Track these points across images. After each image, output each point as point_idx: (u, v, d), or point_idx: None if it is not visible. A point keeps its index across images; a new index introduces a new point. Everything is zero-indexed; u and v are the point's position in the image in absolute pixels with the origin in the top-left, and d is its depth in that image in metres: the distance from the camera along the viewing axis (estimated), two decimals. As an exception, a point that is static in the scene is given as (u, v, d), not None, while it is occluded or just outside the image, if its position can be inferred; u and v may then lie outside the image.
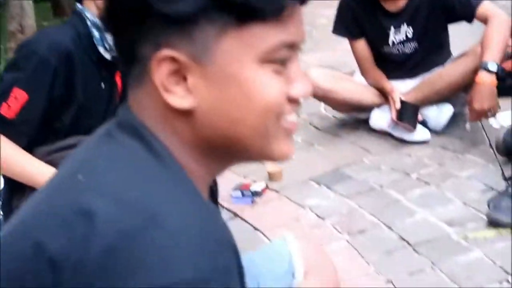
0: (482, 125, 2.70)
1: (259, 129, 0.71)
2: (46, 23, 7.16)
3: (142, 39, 0.69)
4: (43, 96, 1.78)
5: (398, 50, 2.88)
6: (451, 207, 2.15)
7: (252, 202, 2.41)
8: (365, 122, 2.96)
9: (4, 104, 1.74)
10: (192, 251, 0.62)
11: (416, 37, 2.83)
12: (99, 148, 0.73)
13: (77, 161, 0.74)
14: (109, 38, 1.87)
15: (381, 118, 2.87)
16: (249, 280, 1.19)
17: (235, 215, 2.34)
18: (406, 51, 2.87)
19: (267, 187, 2.50)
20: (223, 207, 2.40)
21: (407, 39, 2.84)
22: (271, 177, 2.57)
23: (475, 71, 2.51)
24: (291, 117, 0.73)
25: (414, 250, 1.94)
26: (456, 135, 2.73)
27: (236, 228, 2.22)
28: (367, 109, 2.94)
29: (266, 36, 0.68)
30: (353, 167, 2.59)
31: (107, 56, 1.88)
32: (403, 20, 2.81)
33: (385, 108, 2.86)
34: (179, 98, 0.69)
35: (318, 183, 2.49)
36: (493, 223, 1.97)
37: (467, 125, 2.59)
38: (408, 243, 1.97)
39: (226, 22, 0.67)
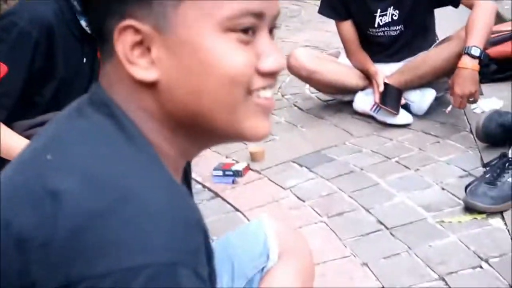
0: (464, 111, 2.72)
1: (224, 102, 0.69)
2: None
3: (109, 13, 0.69)
4: (23, 69, 1.76)
5: (383, 32, 2.88)
6: (429, 191, 2.17)
7: (233, 182, 2.41)
8: (349, 104, 2.97)
9: None
10: (163, 233, 0.61)
11: (402, 20, 2.83)
12: (68, 124, 0.72)
13: (46, 137, 0.73)
14: None
15: (364, 101, 2.88)
16: (224, 260, 1.20)
17: (216, 194, 2.34)
18: (392, 34, 2.87)
19: (248, 167, 2.51)
20: (204, 186, 2.41)
21: (393, 22, 2.84)
22: (253, 157, 2.57)
23: (458, 56, 2.52)
24: (264, 93, 0.72)
25: (391, 233, 1.96)
26: (438, 120, 2.75)
27: (216, 208, 2.25)
28: (352, 91, 2.95)
29: (226, 2, 0.67)
30: (335, 149, 2.60)
31: (89, 30, 1.87)
32: (389, 3, 2.81)
33: (369, 91, 2.87)
34: (142, 70, 0.69)
35: (300, 165, 2.50)
36: (469, 209, 2.00)
37: (448, 108, 2.60)
38: (385, 227, 1.99)
39: None
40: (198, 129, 0.72)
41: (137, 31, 0.68)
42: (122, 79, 0.71)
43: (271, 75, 0.72)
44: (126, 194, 0.62)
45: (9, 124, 1.81)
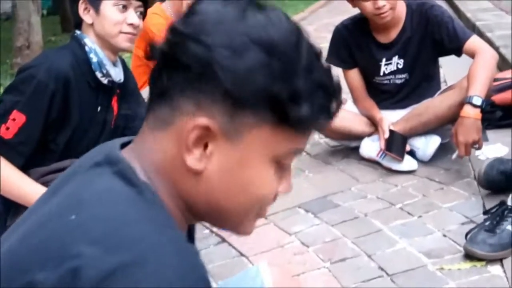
0: (469, 157, 2.77)
1: (243, 211, 0.80)
2: (54, 38, 7.25)
3: (189, 93, 0.74)
4: (40, 119, 1.86)
5: (389, 81, 2.96)
6: (431, 238, 2.21)
7: (240, 227, 2.47)
8: (356, 150, 3.03)
9: (3, 125, 1.83)
10: None
11: (406, 68, 2.91)
12: (89, 185, 0.76)
13: (67, 194, 0.77)
14: (107, 64, 1.96)
15: (371, 147, 2.94)
16: (222, 304, 1.26)
17: (223, 240, 2.40)
18: (397, 82, 2.96)
19: (255, 212, 2.56)
20: (211, 231, 2.47)
21: (398, 71, 2.93)
22: (260, 202, 2.63)
23: (461, 104, 2.58)
24: (267, 208, 0.84)
25: (391, 280, 2.00)
26: (443, 166, 2.80)
27: (222, 253, 2.30)
28: (358, 137, 3.01)
29: (289, 141, 0.76)
30: (340, 195, 2.66)
31: (104, 81, 1.97)
32: (394, 52, 2.90)
33: (375, 137, 2.93)
34: (195, 160, 0.75)
35: (306, 210, 2.56)
36: (469, 256, 2.03)
37: (454, 155, 2.65)
38: (386, 273, 2.03)
39: (268, 118, 0.74)
40: (206, 215, 0.82)
41: (207, 128, 0.73)
42: (166, 153, 0.77)
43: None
44: (142, 258, 0.67)
45: (25, 170, 1.91)
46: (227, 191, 0.77)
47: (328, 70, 0.78)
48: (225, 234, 2.43)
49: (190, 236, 0.96)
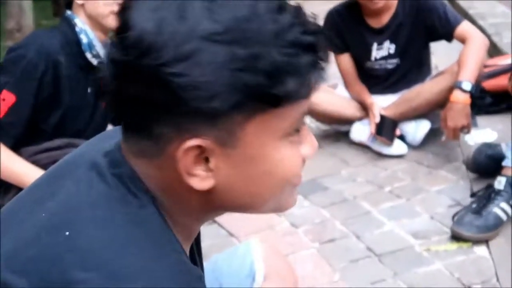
0: (458, 143, 2.80)
1: (275, 198, 0.74)
2: (45, 22, 7.20)
3: (162, 121, 0.66)
4: (30, 99, 1.86)
5: (380, 65, 2.97)
6: (419, 220, 2.24)
7: (230, 208, 2.49)
8: (347, 134, 3.05)
9: None
10: None
11: (398, 53, 2.92)
12: (87, 192, 0.71)
13: (63, 200, 0.71)
14: (97, 45, 1.96)
15: (361, 131, 2.96)
16: (212, 282, 1.27)
17: (213, 220, 2.42)
18: (388, 67, 2.97)
19: (246, 194, 2.58)
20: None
21: (389, 56, 2.94)
22: (251, 184, 2.65)
23: (451, 90, 2.60)
24: (301, 177, 0.77)
25: (379, 260, 2.02)
26: (432, 150, 2.82)
27: (212, 233, 2.32)
28: (349, 121, 3.03)
29: (289, 115, 0.69)
30: (330, 178, 2.68)
31: (95, 62, 1.97)
32: (386, 37, 2.91)
33: (366, 121, 2.95)
34: (200, 180, 0.68)
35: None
36: (455, 237, 2.06)
37: (443, 137, 2.67)
38: (374, 253, 2.06)
39: (255, 110, 0.66)
40: (233, 210, 0.77)
41: (199, 146, 0.66)
42: (165, 179, 0.70)
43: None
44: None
45: (16, 150, 1.91)
46: (250, 192, 0.72)
47: (297, 15, 0.68)
48: (215, 215, 2.45)
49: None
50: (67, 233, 0.66)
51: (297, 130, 0.71)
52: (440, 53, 3.75)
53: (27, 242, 0.69)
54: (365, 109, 2.97)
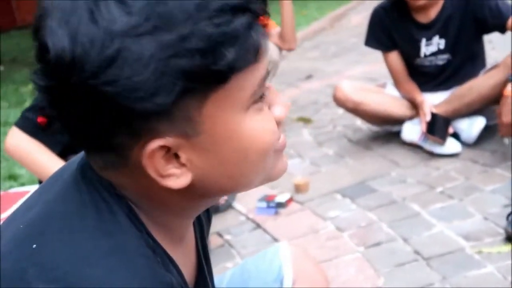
0: (516, 139, 2.65)
1: (260, 171, 0.69)
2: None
3: (117, 132, 0.62)
4: None
5: (430, 62, 2.86)
6: (470, 221, 2.12)
7: (275, 213, 2.45)
8: (398, 134, 2.95)
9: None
10: None
11: (448, 49, 2.80)
12: (61, 204, 0.68)
13: (39, 211, 0.69)
14: None
15: (412, 131, 2.85)
16: (239, 283, 1.24)
17: (258, 225, 2.38)
18: (439, 63, 2.85)
19: (292, 199, 2.53)
20: (247, 218, 2.45)
21: (439, 51, 2.82)
22: (297, 189, 2.60)
23: (506, 83, 2.47)
24: (280, 140, 0.71)
25: (427, 264, 1.92)
26: (488, 148, 2.68)
27: (257, 239, 2.28)
28: (399, 121, 2.93)
29: (246, 83, 0.63)
30: (379, 180, 2.59)
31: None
32: (434, 32, 2.80)
33: (417, 120, 2.84)
34: (176, 179, 0.64)
35: (343, 195, 2.51)
36: (510, 238, 1.93)
37: (506, 139, 2.54)
38: (422, 257, 1.96)
39: (207, 90, 0.61)
40: (221, 195, 0.72)
41: (163, 147, 0.62)
42: (139, 185, 0.66)
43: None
44: None
45: (64, 157, 1.95)
46: (231, 173, 0.67)
47: None
48: (260, 219, 2.41)
49: (201, 230, 0.87)
50: (34, 246, 0.64)
51: (261, 96, 0.66)
52: (500, 45, 3.58)
53: (4, 255, 0.67)
54: (416, 108, 2.86)
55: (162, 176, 0.64)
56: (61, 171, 0.77)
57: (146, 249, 0.66)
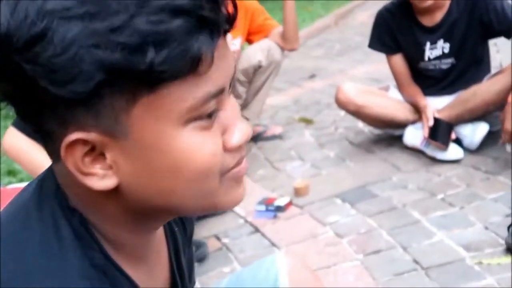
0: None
1: (198, 194, 0.65)
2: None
3: (46, 115, 0.60)
4: None
5: (434, 66, 2.83)
6: (471, 230, 2.09)
7: (274, 217, 2.43)
8: (400, 138, 2.93)
9: None
10: None
11: (453, 53, 2.77)
12: (13, 217, 0.67)
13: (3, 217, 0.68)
14: None
15: (414, 135, 2.83)
16: (236, 293, 1.21)
17: (256, 229, 2.36)
18: (443, 67, 2.82)
19: (291, 202, 2.51)
20: (246, 221, 2.43)
21: (444, 55, 2.79)
22: (297, 192, 2.58)
23: (510, 89, 2.44)
24: (237, 168, 0.67)
25: (426, 273, 1.90)
26: (490, 155, 2.66)
27: (254, 243, 2.27)
28: (401, 125, 2.91)
29: (185, 95, 0.59)
30: (380, 184, 2.56)
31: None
32: (439, 36, 2.77)
33: (419, 125, 2.82)
34: (99, 180, 0.62)
35: (343, 200, 2.48)
36: (510, 249, 1.91)
37: (508, 147, 2.51)
38: (421, 266, 1.94)
39: (135, 91, 0.58)
40: (169, 215, 0.71)
41: (85, 141, 0.60)
42: (74, 183, 0.64)
43: (241, 147, 0.67)
44: None
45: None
46: (161, 188, 0.63)
47: None
48: (259, 223, 2.39)
49: (173, 237, 0.85)
50: None
51: (209, 115, 0.62)
52: (505, 48, 3.55)
53: None
54: (419, 112, 2.83)
55: (83, 173, 0.61)
56: (34, 180, 0.74)
57: (90, 271, 0.63)
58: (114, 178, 0.62)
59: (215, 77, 0.61)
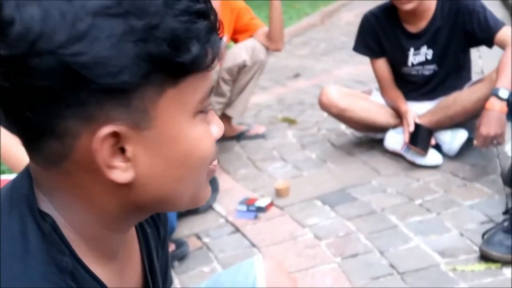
0: (497, 153, 2.67)
1: (196, 182, 0.70)
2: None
3: (67, 113, 0.61)
4: None
5: (417, 71, 2.87)
6: (447, 236, 2.14)
7: (255, 217, 2.45)
8: (381, 142, 2.97)
9: None
10: None
11: (435, 59, 2.81)
12: None
13: None
14: None
15: (395, 140, 2.87)
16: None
17: (237, 229, 2.39)
18: (425, 73, 2.86)
19: (272, 203, 2.54)
20: (227, 220, 2.46)
21: (427, 61, 2.83)
22: (278, 193, 2.61)
23: (488, 98, 2.48)
24: (213, 163, 0.73)
25: (401, 278, 1.94)
26: (468, 162, 2.71)
27: (235, 243, 2.29)
28: (383, 129, 2.95)
29: (198, 88, 0.66)
30: (360, 188, 2.60)
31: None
32: (423, 42, 2.81)
33: (400, 130, 2.86)
34: (122, 172, 0.64)
35: (323, 202, 2.52)
36: (484, 257, 1.96)
37: (474, 142, 2.54)
38: (397, 271, 1.98)
39: (163, 83, 0.63)
40: (155, 209, 0.73)
41: (115, 134, 0.62)
42: (74, 183, 0.66)
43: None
44: None
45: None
46: (169, 176, 0.67)
47: None
48: (239, 223, 2.42)
49: (144, 236, 0.86)
50: None
51: (206, 108, 0.69)
52: (488, 57, 3.60)
53: None
54: (400, 117, 2.87)
55: (109, 167, 0.63)
56: (9, 182, 0.75)
57: (54, 276, 0.65)
58: (132, 171, 0.65)
59: (211, 73, 0.69)
